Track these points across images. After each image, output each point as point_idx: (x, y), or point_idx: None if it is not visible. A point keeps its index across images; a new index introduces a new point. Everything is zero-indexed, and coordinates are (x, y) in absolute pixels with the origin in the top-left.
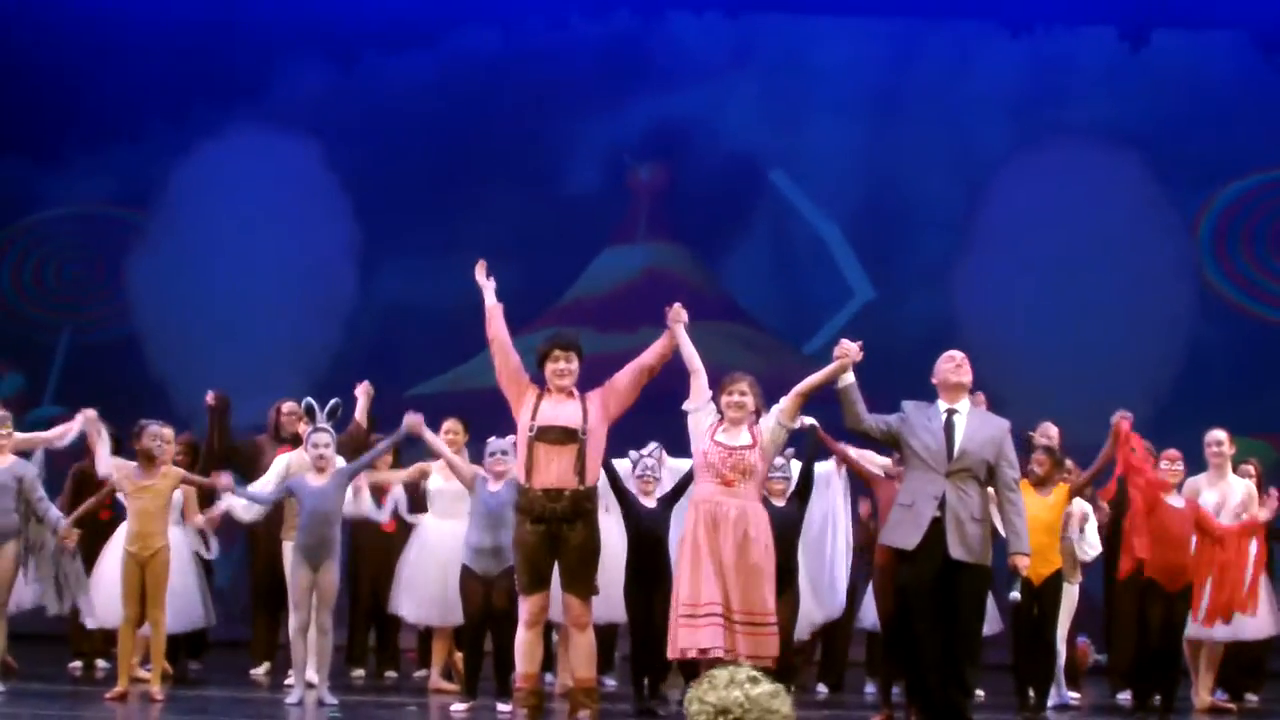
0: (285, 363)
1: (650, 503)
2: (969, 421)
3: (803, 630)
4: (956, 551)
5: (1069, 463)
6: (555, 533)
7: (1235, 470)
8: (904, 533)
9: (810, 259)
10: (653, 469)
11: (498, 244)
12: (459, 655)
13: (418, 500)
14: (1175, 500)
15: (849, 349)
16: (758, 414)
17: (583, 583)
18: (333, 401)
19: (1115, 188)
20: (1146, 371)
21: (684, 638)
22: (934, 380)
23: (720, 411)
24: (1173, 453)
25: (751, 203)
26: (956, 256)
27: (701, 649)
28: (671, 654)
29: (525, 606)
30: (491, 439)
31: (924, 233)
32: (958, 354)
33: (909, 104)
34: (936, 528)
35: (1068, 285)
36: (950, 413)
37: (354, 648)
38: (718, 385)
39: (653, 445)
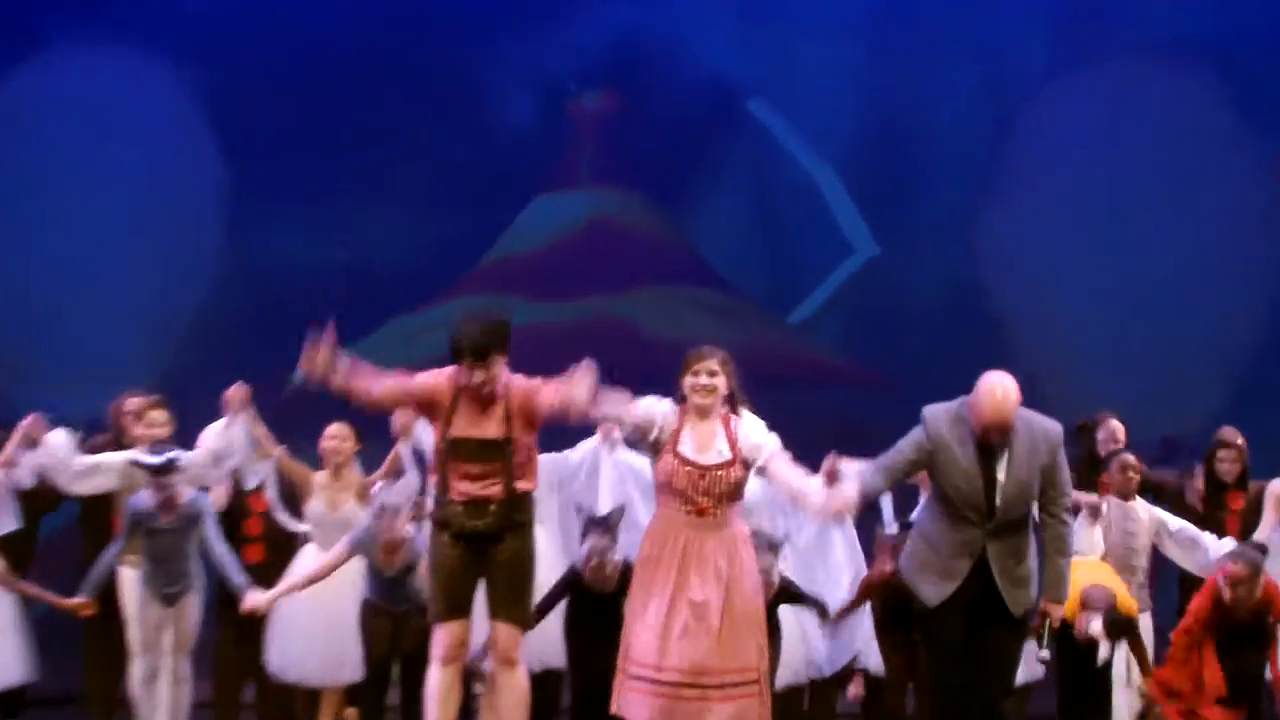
0: (131, 343)
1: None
2: (1014, 454)
3: (794, 675)
4: (1017, 608)
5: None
6: (480, 549)
7: None
8: (931, 579)
9: (798, 207)
10: (602, 552)
11: (404, 190)
12: (352, 710)
13: (296, 507)
14: None
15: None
16: (732, 401)
17: (514, 607)
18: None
19: (1180, 117)
20: (1220, 344)
21: (634, 706)
22: (970, 412)
23: (683, 399)
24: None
25: (723, 138)
26: (980, 204)
27: None
28: (613, 708)
29: (440, 638)
30: (379, 489)
31: (939, 175)
32: (1007, 392)
33: (920, 15)
34: (974, 580)
35: (1119, 239)
36: (986, 449)
37: (223, 704)
38: (680, 363)
39: (615, 509)
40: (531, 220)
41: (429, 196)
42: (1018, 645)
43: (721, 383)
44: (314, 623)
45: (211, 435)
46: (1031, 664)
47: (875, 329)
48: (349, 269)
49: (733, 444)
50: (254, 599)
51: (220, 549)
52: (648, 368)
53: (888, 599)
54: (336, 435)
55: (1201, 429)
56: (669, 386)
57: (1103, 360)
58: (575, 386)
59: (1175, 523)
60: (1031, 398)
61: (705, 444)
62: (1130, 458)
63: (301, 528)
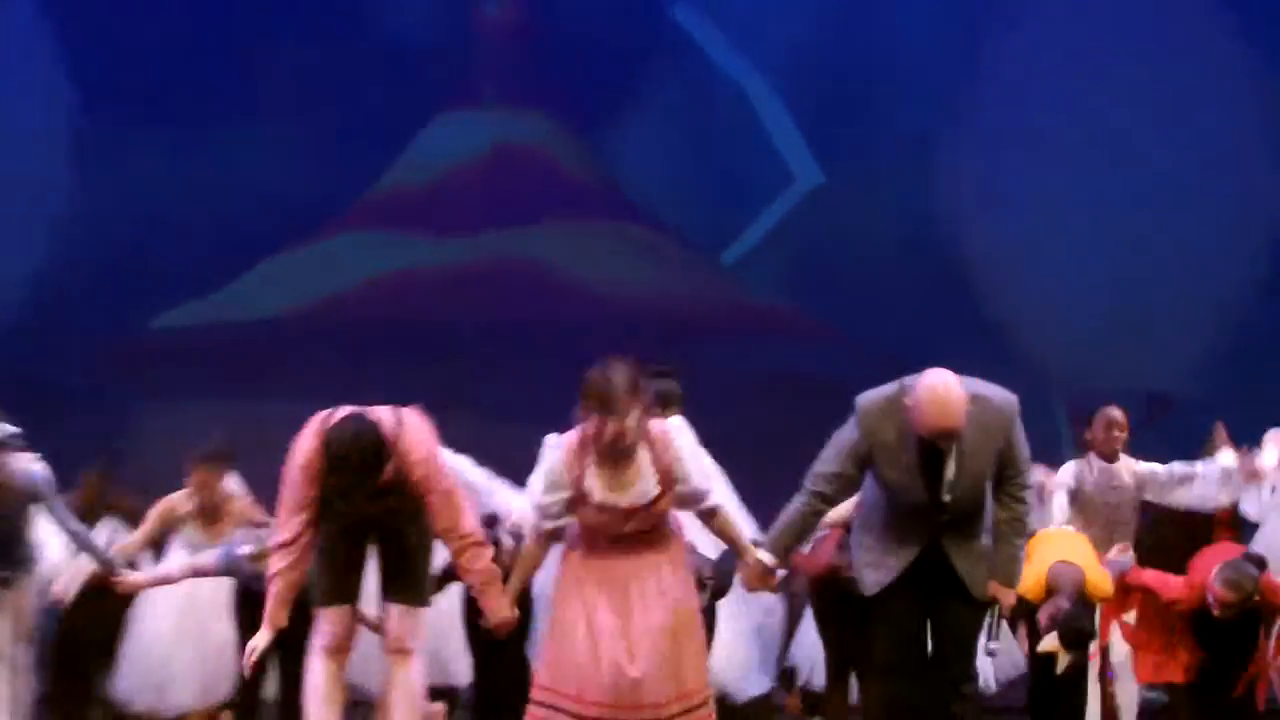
0: None
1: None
2: (963, 447)
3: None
4: (977, 587)
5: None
6: (371, 527)
7: None
8: (886, 568)
9: (732, 130)
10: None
11: (281, 111)
12: (225, 714)
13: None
14: None
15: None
16: (643, 428)
17: (410, 588)
18: None
19: (1169, 34)
20: (1214, 287)
21: None
22: (909, 406)
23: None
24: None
25: (647, 51)
26: (941, 129)
27: None
28: None
29: (323, 625)
30: (238, 537)
31: (895, 95)
32: (949, 396)
33: None
34: (925, 559)
35: (1099, 168)
36: (926, 445)
37: (63, 696)
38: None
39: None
40: (428, 145)
41: (310, 118)
42: (979, 623)
43: (633, 423)
44: (181, 647)
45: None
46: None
47: (821, 269)
48: (218, 201)
49: (663, 473)
50: (127, 577)
51: (73, 525)
52: (558, 315)
53: (824, 591)
54: (206, 484)
55: (1194, 380)
56: (582, 337)
57: (1081, 305)
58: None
59: (1162, 470)
60: (998, 350)
61: (622, 478)
62: (1117, 412)
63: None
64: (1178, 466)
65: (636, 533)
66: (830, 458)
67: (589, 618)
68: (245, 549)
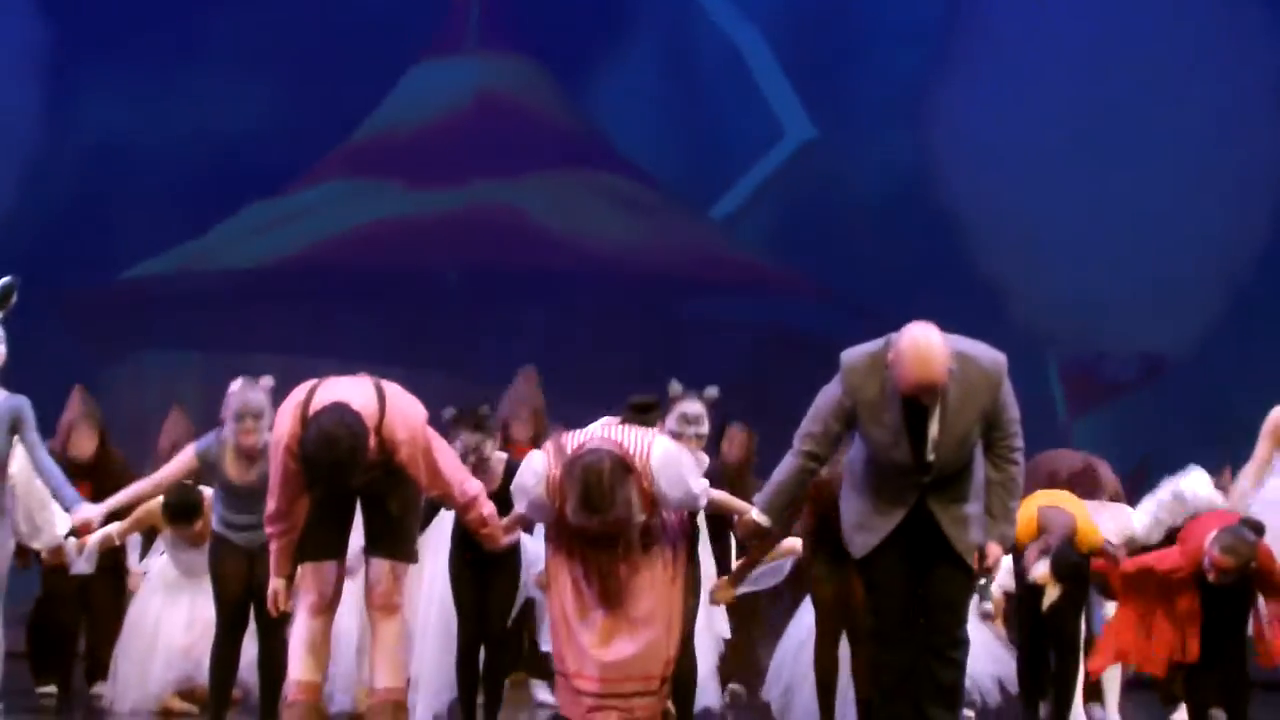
0: None
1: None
2: (948, 404)
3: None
4: (965, 548)
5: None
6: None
7: None
8: (875, 531)
9: (720, 81)
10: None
11: (260, 55)
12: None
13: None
14: None
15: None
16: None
17: (395, 542)
18: (5, 280)
19: None
20: (1220, 245)
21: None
22: (893, 373)
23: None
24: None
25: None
26: (933, 79)
27: None
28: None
29: (309, 582)
30: (231, 391)
31: (886, 44)
32: (931, 352)
33: None
34: (912, 522)
35: (1098, 123)
36: (911, 404)
37: (42, 653)
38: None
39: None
40: (409, 92)
41: (289, 62)
42: (968, 589)
43: (635, 510)
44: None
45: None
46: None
47: (811, 224)
48: (194, 149)
49: (646, 500)
50: (84, 512)
51: (44, 458)
52: (540, 267)
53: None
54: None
55: (1194, 346)
56: (562, 289)
57: (1077, 264)
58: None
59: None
60: (989, 309)
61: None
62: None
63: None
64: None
65: (620, 543)
66: (816, 416)
67: (573, 599)
68: None
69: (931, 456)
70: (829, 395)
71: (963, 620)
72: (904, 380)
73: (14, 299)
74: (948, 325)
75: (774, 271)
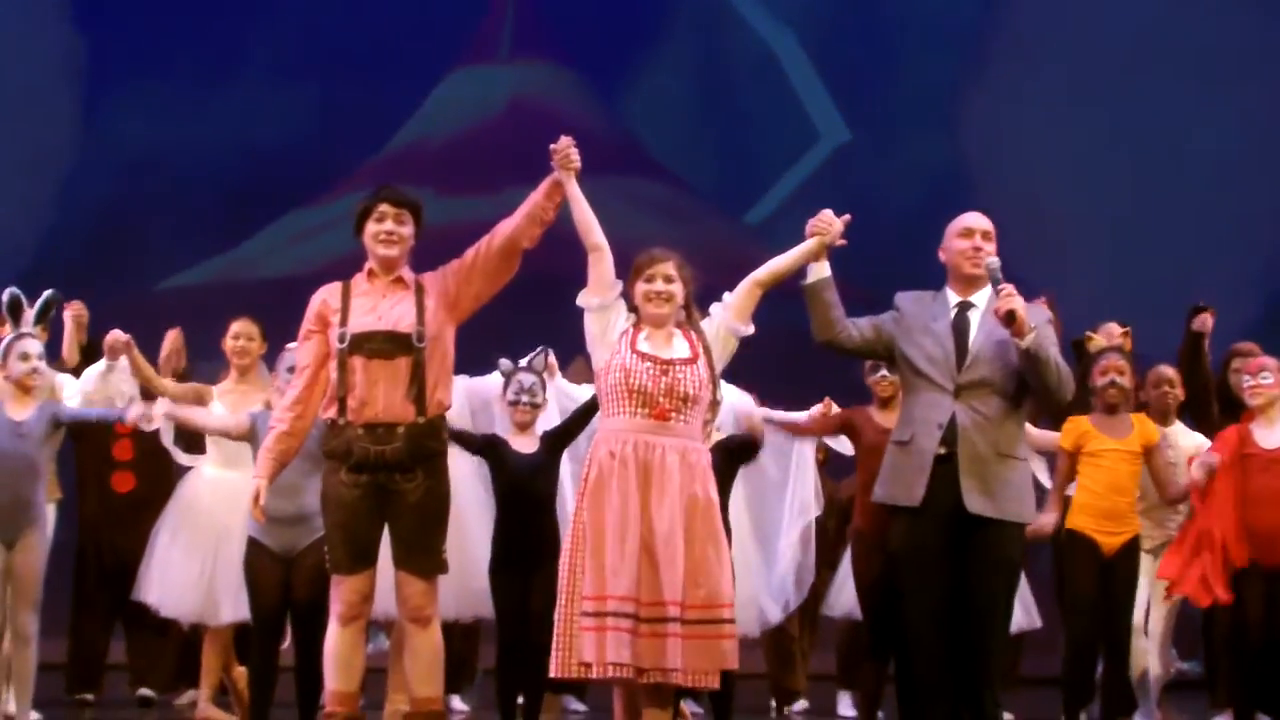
0: None
1: (528, 443)
2: (988, 317)
3: (750, 625)
4: (974, 503)
5: (1169, 375)
6: (385, 485)
7: None
8: (902, 482)
9: (756, 87)
10: (533, 390)
11: (296, 66)
12: (241, 670)
13: (195, 440)
14: (1273, 435)
15: (828, 223)
16: (688, 310)
17: (425, 555)
18: (47, 294)
19: None
20: (1257, 245)
21: (588, 647)
22: (942, 257)
23: (634, 309)
24: (1260, 360)
25: (668, 4)
26: (967, 84)
27: (617, 663)
28: (561, 670)
29: (340, 593)
30: (289, 348)
31: (921, 48)
32: (978, 225)
33: None
34: (945, 470)
35: (1128, 127)
36: (963, 307)
37: (81, 662)
38: (629, 269)
39: (536, 353)
40: (443, 101)
41: (325, 73)
42: (1010, 589)
43: (679, 290)
44: (199, 556)
45: (90, 380)
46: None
47: (846, 229)
48: (231, 158)
49: (695, 347)
50: (139, 410)
51: (82, 411)
52: (576, 274)
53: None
54: (242, 334)
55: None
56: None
57: (1109, 266)
58: (561, 157)
59: None
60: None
61: (664, 344)
62: (1169, 370)
63: (193, 460)
64: None
65: (671, 414)
66: (862, 320)
67: (623, 521)
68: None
69: (970, 351)
70: (877, 317)
71: (1006, 625)
72: (953, 250)
73: (54, 312)
74: None
75: None
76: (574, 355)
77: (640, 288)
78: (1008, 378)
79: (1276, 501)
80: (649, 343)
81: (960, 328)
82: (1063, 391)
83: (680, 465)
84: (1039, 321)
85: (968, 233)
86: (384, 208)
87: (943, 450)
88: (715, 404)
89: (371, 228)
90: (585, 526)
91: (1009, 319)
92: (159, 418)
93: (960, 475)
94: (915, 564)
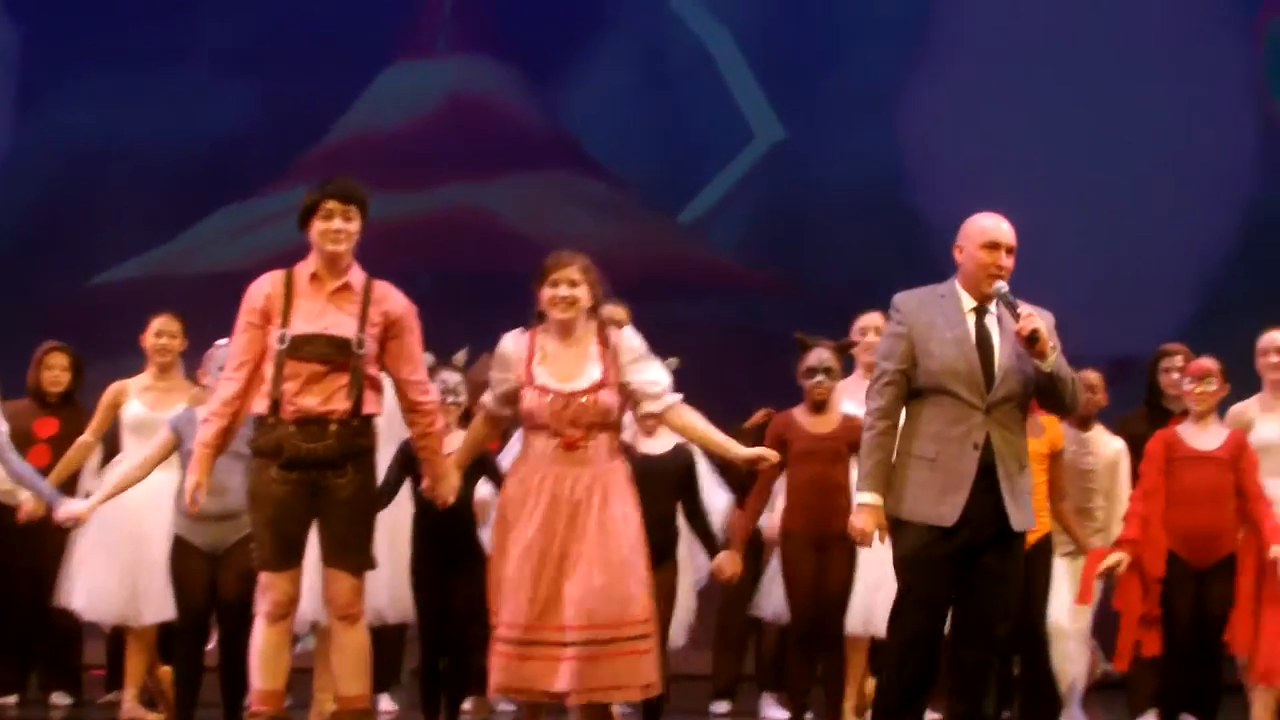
0: None
1: (450, 442)
2: (1005, 328)
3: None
4: (1016, 521)
5: (1092, 380)
6: (316, 482)
7: None
8: (929, 500)
9: (692, 85)
10: (457, 389)
11: (229, 58)
12: (166, 669)
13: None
14: (1204, 436)
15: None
16: (596, 308)
17: (355, 552)
18: None
19: None
20: (1189, 245)
21: (506, 672)
22: (958, 255)
23: (541, 314)
24: (1203, 364)
25: (606, 2)
26: (904, 81)
27: (541, 690)
28: (491, 691)
29: (269, 590)
30: (218, 345)
31: (856, 45)
32: (1004, 241)
33: None
34: (979, 488)
35: (1069, 124)
36: (979, 313)
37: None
38: (538, 272)
39: (462, 353)
40: (381, 95)
41: (258, 65)
42: (1019, 569)
43: (583, 294)
44: (122, 555)
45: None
46: None
47: (781, 227)
48: (168, 150)
49: (607, 365)
50: (70, 508)
51: (13, 459)
52: (511, 268)
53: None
54: (165, 331)
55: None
56: (533, 291)
57: (1048, 267)
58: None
59: None
60: None
61: (569, 368)
62: (1093, 375)
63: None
64: None
65: (580, 442)
66: (880, 368)
67: (530, 546)
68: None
69: (998, 364)
70: (886, 337)
71: (1017, 601)
72: (981, 232)
73: None
74: None
75: (744, 273)
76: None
77: (545, 293)
78: (1026, 390)
79: (1205, 502)
80: (550, 369)
81: (983, 340)
82: (1076, 404)
83: (593, 489)
84: (1054, 336)
85: (993, 247)
86: (331, 204)
87: (977, 469)
88: (650, 415)
89: (319, 225)
90: (496, 556)
91: (1031, 340)
92: (86, 513)
93: (1003, 496)
94: (929, 577)
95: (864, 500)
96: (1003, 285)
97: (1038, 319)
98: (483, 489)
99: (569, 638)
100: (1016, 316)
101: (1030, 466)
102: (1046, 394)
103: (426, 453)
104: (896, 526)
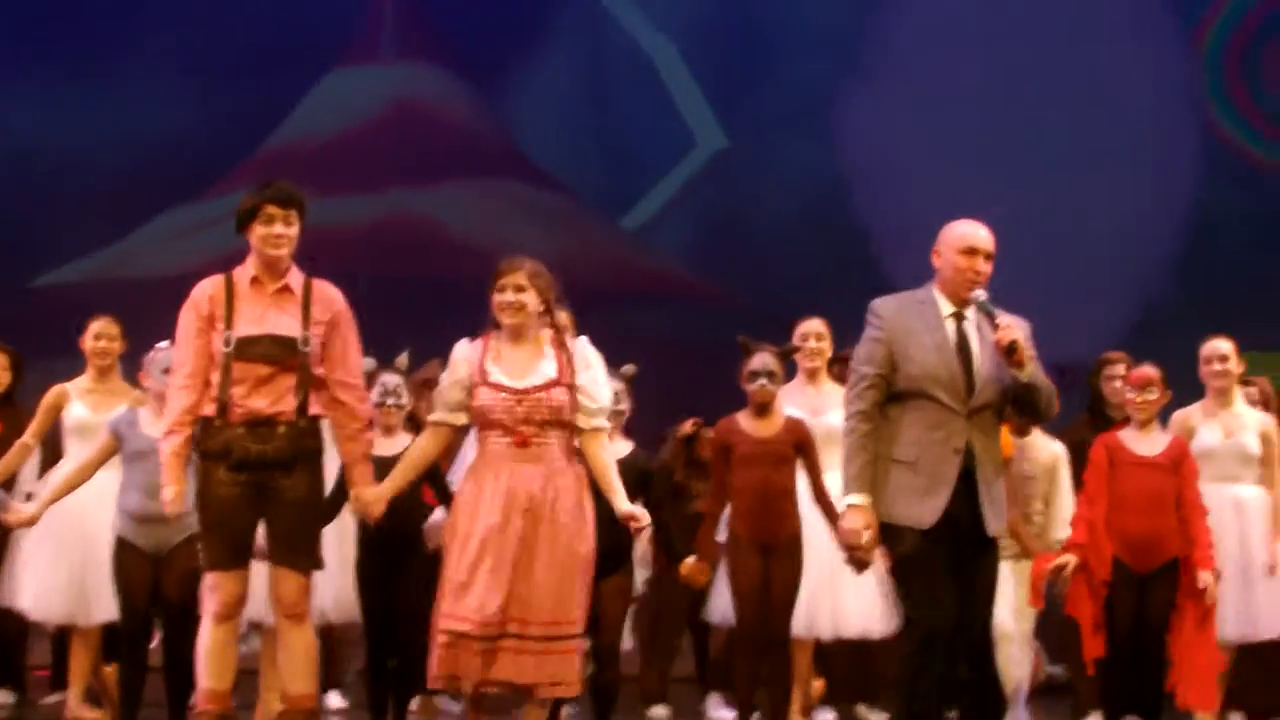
0: None
1: (393, 445)
2: (983, 334)
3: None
4: (992, 526)
5: None
6: (264, 484)
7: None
8: (909, 503)
9: (636, 93)
10: (398, 392)
11: (169, 62)
12: (110, 669)
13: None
14: (1146, 442)
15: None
16: (548, 312)
17: (303, 552)
18: None
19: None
20: (1126, 253)
21: (446, 661)
22: (935, 262)
23: (492, 320)
24: (1145, 373)
25: (550, 8)
26: (844, 87)
27: (479, 680)
28: (430, 681)
29: (216, 591)
30: (159, 348)
31: (797, 55)
32: (982, 247)
33: None
34: (959, 493)
35: (1008, 133)
36: (957, 318)
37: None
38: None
39: (403, 356)
40: (322, 100)
41: (199, 69)
42: (993, 576)
43: (531, 299)
44: (67, 555)
45: None
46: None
47: (722, 234)
48: (110, 152)
49: (562, 365)
50: (18, 512)
51: None
52: (452, 275)
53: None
54: (103, 334)
55: (1103, 353)
56: (475, 297)
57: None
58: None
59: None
60: None
61: (522, 366)
62: None
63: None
64: None
65: (533, 439)
66: (855, 379)
67: (479, 538)
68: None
69: (977, 369)
70: (865, 341)
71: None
72: (960, 238)
73: None
74: (859, 333)
75: (685, 281)
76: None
77: (495, 298)
78: (1003, 397)
79: (1146, 508)
80: (503, 367)
81: (962, 345)
82: (1051, 412)
83: (547, 488)
84: (1030, 345)
85: (971, 252)
86: (272, 209)
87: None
88: (617, 412)
89: (260, 230)
90: (450, 549)
91: (1010, 351)
92: (35, 515)
93: (980, 502)
94: (930, 576)
95: (854, 501)
96: (982, 294)
97: (1016, 329)
98: (437, 514)
99: (511, 629)
100: (995, 325)
101: (1005, 473)
102: (1022, 402)
103: (350, 457)
104: (888, 532)
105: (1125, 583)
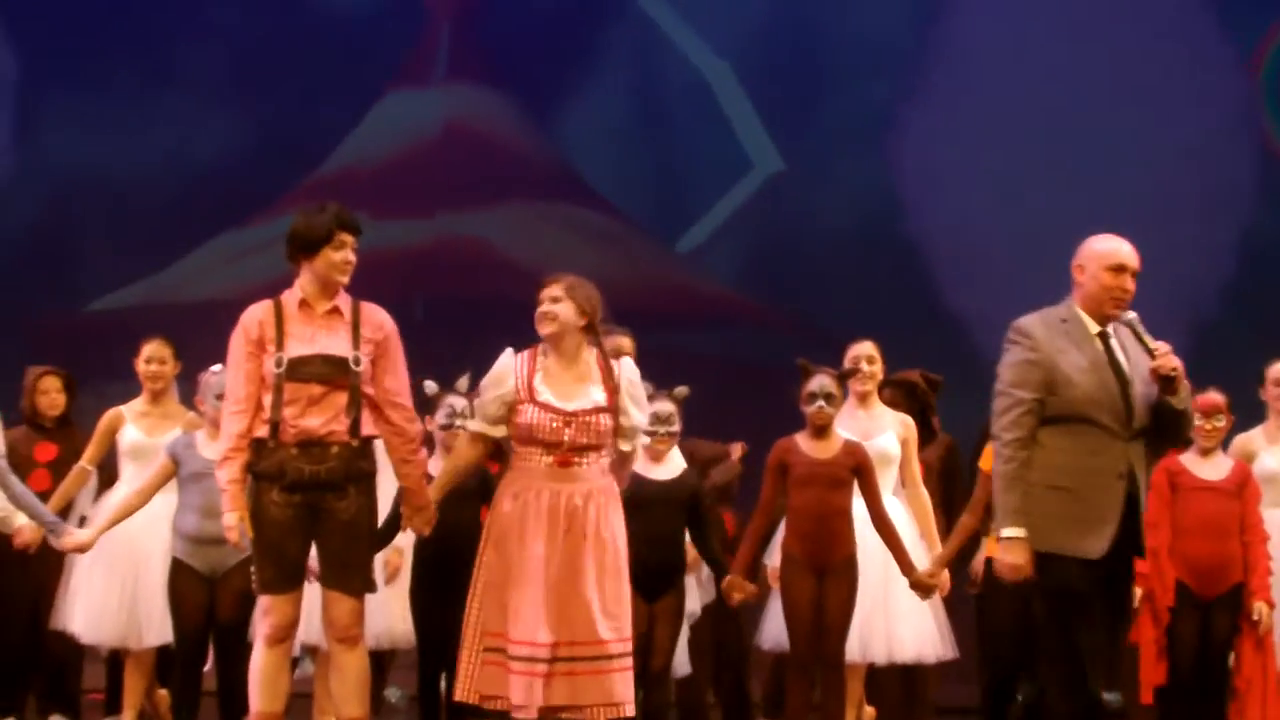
0: None
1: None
2: (1123, 341)
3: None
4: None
5: None
6: (316, 505)
7: None
8: (1072, 533)
9: (691, 115)
10: (465, 414)
11: (227, 86)
12: (164, 692)
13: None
14: (1209, 466)
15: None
16: (590, 329)
17: (356, 574)
18: None
19: (1139, 12)
20: (1182, 277)
21: (489, 680)
22: (1078, 276)
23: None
24: (1213, 399)
25: (604, 30)
26: (901, 112)
27: (542, 707)
28: (462, 695)
29: (270, 613)
30: (213, 371)
31: (853, 77)
32: (1130, 264)
33: None
34: (1126, 519)
35: (1061, 155)
36: (1103, 337)
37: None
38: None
39: (464, 378)
40: (378, 123)
41: (257, 94)
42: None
43: (565, 310)
44: (120, 579)
45: None
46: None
47: (778, 257)
48: (164, 177)
49: (612, 391)
50: (75, 537)
51: (15, 484)
52: (506, 297)
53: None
54: (155, 357)
55: None
56: (528, 321)
57: (1042, 296)
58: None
59: None
60: (956, 340)
61: (570, 388)
62: None
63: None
64: None
65: (574, 460)
66: (1013, 397)
67: (531, 563)
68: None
69: (1135, 390)
70: (1015, 364)
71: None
72: (1110, 249)
73: None
74: (914, 357)
75: (740, 304)
76: None
77: (536, 312)
78: (1153, 420)
79: (1210, 533)
80: (552, 387)
81: (1115, 366)
82: (1188, 437)
83: (588, 504)
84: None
85: (1119, 270)
86: (345, 236)
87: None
88: (670, 434)
89: (333, 255)
90: (490, 568)
91: (1169, 379)
92: (90, 541)
93: (1141, 528)
94: (1084, 609)
95: (1015, 534)
96: (1132, 314)
97: (1176, 358)
98: None
99: (561, 653)
100: (1146, 347)
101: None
102: (1169, 428)
103: (406, 479)
104: (1046, 562)
105: (1189, 608)
